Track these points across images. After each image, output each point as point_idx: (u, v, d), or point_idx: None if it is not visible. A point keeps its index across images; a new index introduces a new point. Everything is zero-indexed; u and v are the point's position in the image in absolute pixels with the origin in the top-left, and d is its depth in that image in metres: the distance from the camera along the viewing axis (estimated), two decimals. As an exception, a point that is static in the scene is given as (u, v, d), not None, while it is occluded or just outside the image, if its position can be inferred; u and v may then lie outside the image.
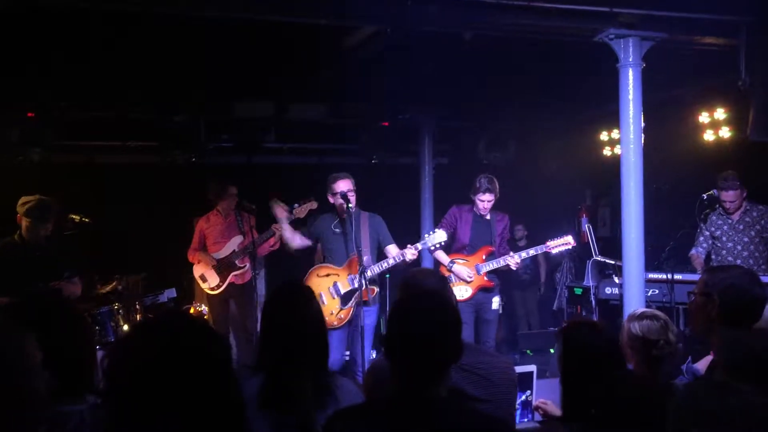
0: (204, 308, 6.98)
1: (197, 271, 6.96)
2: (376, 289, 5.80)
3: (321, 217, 6.01)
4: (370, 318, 5.77)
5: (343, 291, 5.76)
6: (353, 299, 5.68)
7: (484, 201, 6.22)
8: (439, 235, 5.94)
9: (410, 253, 5.67)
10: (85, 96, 7.22)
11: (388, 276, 7.80)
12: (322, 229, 5.91)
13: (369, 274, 5.60)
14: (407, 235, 6.56)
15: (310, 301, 2.79)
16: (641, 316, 2.97)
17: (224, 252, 6.87)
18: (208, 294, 6.93)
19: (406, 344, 2.09)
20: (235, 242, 6.85)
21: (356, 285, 5.57)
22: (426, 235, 5.98)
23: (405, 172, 9.48)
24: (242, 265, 6.81)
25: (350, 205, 5.61)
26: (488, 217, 6.34)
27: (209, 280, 6.86)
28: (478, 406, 2.62)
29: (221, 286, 6.82)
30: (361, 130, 8.95)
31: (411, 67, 6.52)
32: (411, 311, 2.17)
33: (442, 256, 6.34)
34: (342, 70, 6.59)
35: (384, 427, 2.02)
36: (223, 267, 6.82)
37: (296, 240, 5.95)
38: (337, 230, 5.83)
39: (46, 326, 2.10)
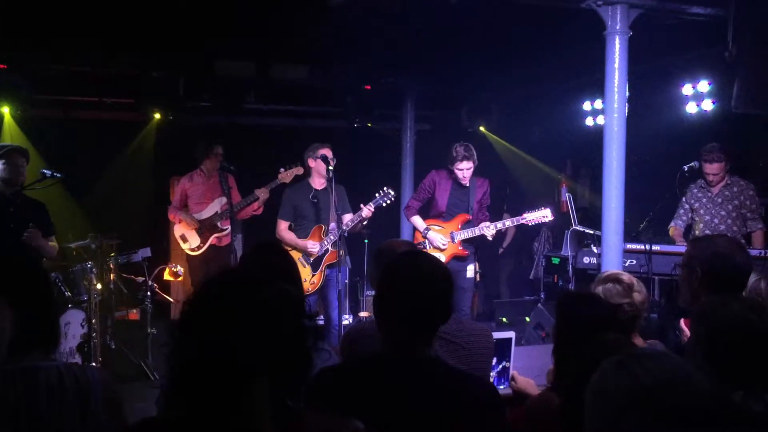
0: (179, 269, 6.91)
1: (178, 230, 6.87)
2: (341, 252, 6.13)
3: (295, 187, 6.22)
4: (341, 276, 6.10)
5: (312, 259, 6.05)
6: (322, 264, 6.07)
7: (464, 170, 6.10)
8: (390, 194, 6.10)
9: (366, 211, 5.96)
10: (61, 48, 7.03)
11: (366, 241, 7.83)
12: (299, 199, 6.10)
13: (332, 238, 5.98)
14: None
15: (287, 255, 2.82)
16: (605, 279, 2.93)
17: (206, 213, 6.78)
18: (187, 255, 6.85)
19: (398, 303, 2.08)
20: (218, 203, 6.77)
21: (322, 251, 6.04)
22: (377, 194, 6.10)
23: (387, 137, 9.41)
24: (224, 228, 6.74)
25: (330, 168, 5.81)
26: (467, 183, 6.24)
27: (190, 241, 6.78)
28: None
29: (202, 248, 6.74)
30: (344, 94, 8.84)
31: (395, 31, 6.42)
32: (405, 270, 2.14)
33: (418, 222, 6.37)
34: (326, 30, 6.47)
35: (374, 385, 2.02)
36: (204, 228, 6.74)
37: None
38: (315, 200, 6.07)
39: (13, 286, 2.08)
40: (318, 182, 6.10)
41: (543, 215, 6.31)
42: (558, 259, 7.82)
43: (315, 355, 2.56)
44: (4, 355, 1.84)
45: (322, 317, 6.27)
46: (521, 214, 6.36)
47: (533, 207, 6.43)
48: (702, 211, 6.27)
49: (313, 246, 5.99)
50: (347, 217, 5.99)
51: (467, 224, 6.26)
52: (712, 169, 6.10)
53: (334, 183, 5.90)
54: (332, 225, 5.99)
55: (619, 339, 2.08)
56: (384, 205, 6.12)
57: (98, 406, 2.02)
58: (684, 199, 6.36)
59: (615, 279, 2.91)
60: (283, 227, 6.14)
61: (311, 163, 6.07)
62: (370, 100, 8.89)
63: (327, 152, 5.95)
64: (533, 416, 2.38)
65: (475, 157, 6.13)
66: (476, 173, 6.29)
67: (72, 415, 1.99)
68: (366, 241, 7.85)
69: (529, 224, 6.47)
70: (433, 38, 6.71)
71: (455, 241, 6.22)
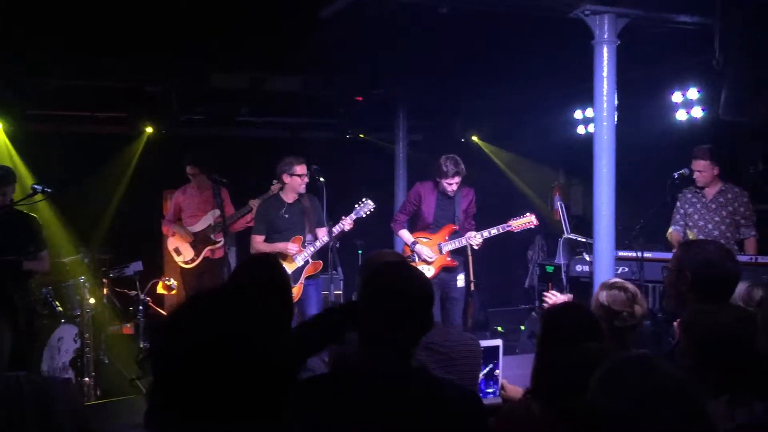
0: (173, 282, 6.91)
1: (171, 244, 6.87)
2: (321, 263, 6.12)
3: (266, 202, 6.18)
4: (318, 289, 6.20)
5: (290, 270, 5.91)
6: (302, 276, 6.04)
7: (453, 184, 6.07)
8: (369, 204, 6.15)
9: (347, 224, 5.97)
10: (53, 63, 7.03)
11: (360, 252, 7.84)
12: (272, 216, 6.07)
13: (312, 250, 6.02)
14: (380, 210, 6.53)
15: (281, 268, 2.86)
16: (611, 286, 2.99)
17: (200, 226, 6.79)
18: (181, 268, 6.85)
19: (376, 313, 2.07)
20: (211, 216, 6.77)
21: (302, 263, 6.03)
22: (356, 205, 6.14)
23: (380, 147, 9.43)
24: (218, 240, 6.74)
25: (322, 179, 5.91)
26: (453, 195, 6.19)
27: (184, 254, 6.78)
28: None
29: (195, 260, 6.75)
30: (337, 105, 8.87)
31: (387, 43, 6.45)
32: (383, 281, 2.15)
33: (406, 236, 6.38)
34: (318, 42, 6.49)
35: (352, 397, 2.01)
36: (198, 241, 6.75)
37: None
38: (287, 216, 6.06)
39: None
40: (290, 196, 6.08)
41: (528, 221, 6.22)
42: (552, 267, 7.84)
43: (299, 371, 2.58)
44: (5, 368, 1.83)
45: None
46: (507, 222, 6.25)
47: (517, 215, 6.30)
48: (696, 216, 6.27)
49: (293, 248, 5.96)
50: (321, 232, 6.04)
51: (454, 234, 6.21)
52: (698, 165, 6.05)
53: (307, 194, 6.00)
54: (309, 237, 6.04)
55: (602, 348, 2.10)
56: (364, 215, 6.13)
57: (61, 420, 1.99)
58: (678, 204, 6.36)
59: (621, 287, 2.97)
60: (258, 240, 6.07)
61: (286, 179, 6.00)
62: (362, 111, 8.91)
63: (302, 169, 5.95)
64: (511, 423, 2.38)
65: (464, 170, 6.06)
66: (464, 182, 6.22)
67: (32, 426, 1.97)
68: (360, 252, 7.86)
69: (515, 231, 6.28)
70: (424, 48, 6.74)
71: (443, 252, 6.20)
